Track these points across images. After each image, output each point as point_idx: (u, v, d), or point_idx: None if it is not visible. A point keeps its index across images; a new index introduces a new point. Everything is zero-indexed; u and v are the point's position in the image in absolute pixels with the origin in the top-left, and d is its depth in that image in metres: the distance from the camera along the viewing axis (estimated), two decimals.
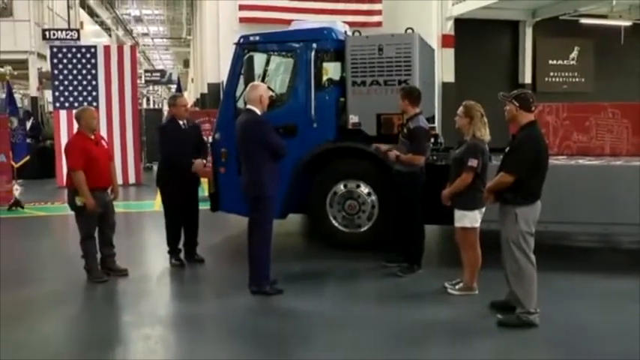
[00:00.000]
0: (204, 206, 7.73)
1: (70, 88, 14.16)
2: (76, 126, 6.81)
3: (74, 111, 7.42)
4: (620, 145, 8.26)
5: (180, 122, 7.18)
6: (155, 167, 18.18)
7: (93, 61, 14.21)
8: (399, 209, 6.89)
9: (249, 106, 6.07)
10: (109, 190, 6.83)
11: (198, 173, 7.23)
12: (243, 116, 6.10)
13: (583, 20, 16.56)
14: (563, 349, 4.84)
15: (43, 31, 18.67)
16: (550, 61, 17.54)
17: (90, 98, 14.07)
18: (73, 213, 6.67)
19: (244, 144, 6.02)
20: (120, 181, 12.53)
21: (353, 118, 7.56)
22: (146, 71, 33.25)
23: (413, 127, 6.57)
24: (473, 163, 5.70)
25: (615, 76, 16.46)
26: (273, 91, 7.66)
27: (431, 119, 8.55)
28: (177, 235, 7.27)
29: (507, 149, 5.25)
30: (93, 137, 6.67)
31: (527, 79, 17.22)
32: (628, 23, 16.27)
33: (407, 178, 6.63)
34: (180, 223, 7.24)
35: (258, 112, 6.01)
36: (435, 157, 7.67)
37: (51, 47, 15.03)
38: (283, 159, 6.19)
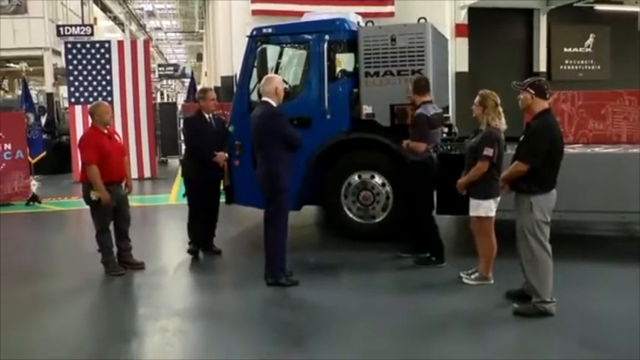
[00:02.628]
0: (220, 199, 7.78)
1: (85, 83, 14.23)
2: (91, 121, 6.85)
3: (88, 106, 7.47)
4: (636, 133, 8.17)
5: (207, 116, 7.24)
6: (170, 161, 18.44)
7: (107, 56, 14.28)
8: (409, 198, 6.89)
9: (264, 99, 6.07)
10: (123, 184, 6.88)
11: (220, 165, 7.26)
12: (259, 109, 6.09)
13: (598, 7, 16.37)
14: (579, 339, 4.80)
15: (58, 27, 18.80)
16: (565, 49, 17.33)
17: (104, 93, 14.14)
18: (88, 207, 6.72)
19: (260, 136, 6.02)
20: (135, 175, 12.67)
21: (366, 109, 7.53)
22: (159, 65, 33.33)
23: (415, 114, 6.59)
24: (488, 152, 5.67)
25: (632, 63, 16.22)
26: (286, 83, 7.65)
27: (445, 109, 8.51)
28: (196, 225, 7.31)
29: (522, 138, 5.22)
30: (106, 132, 6.71)
31: (542, 67, 17.06)
32: None
33: (418, 167, 6.62)
34: (201, 213, 7.30)
35: (274, 104, 6.01)
36: (449, 147, 7.64)
37: (65, 43, 15.12)
38: (299, 151, 6.20)
